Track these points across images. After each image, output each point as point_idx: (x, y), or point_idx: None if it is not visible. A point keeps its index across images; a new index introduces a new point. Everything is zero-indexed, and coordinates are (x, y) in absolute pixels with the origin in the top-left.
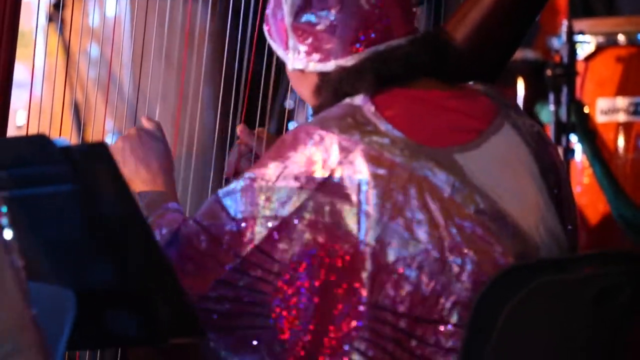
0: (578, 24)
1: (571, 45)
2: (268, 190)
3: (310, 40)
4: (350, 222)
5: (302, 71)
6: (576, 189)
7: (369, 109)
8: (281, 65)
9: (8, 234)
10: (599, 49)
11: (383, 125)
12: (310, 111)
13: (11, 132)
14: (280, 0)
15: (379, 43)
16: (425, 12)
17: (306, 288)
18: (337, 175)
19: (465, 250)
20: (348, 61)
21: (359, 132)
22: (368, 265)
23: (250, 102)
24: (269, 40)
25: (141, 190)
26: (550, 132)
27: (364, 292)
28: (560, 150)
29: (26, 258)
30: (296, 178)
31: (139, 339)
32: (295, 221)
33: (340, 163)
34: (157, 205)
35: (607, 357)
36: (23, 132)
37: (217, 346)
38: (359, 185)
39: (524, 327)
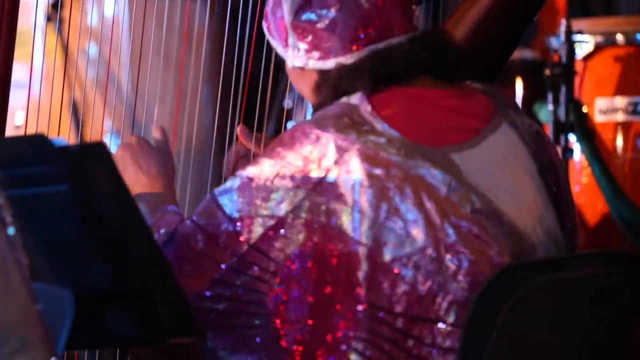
0: (576, 24)
1: (570, 44)
2: (264, 190)
3: (310, 38)
4: (346, 221)
5: (302, 69)
6: (575, 189)
7: (366, 108)
8: (280, 64)
9: (11, 231)
10: (598, 48)
11: (379, 125)
12: (309, 110)
13: (10, 131)
14: None
15: (378, 41)
16: (423, 12)
17: (302, 287)
18: (333, 174)
19: (462, 250)
20: (348, 59)
21: (355, 132)
22: (363, 264)
23: (249, 102)
24: (269, 38)
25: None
26: (549, 131)
27: (361, 292)
28: (558, 150)
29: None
30: (292, 177)
31: (138, 339)
32: (291, 220)
33: (336, 163)
34: (156, 207)
35: (605, 357)
36: (21, 132)
37: (214, 345)
38: (354, 185)
39: (522, 326)
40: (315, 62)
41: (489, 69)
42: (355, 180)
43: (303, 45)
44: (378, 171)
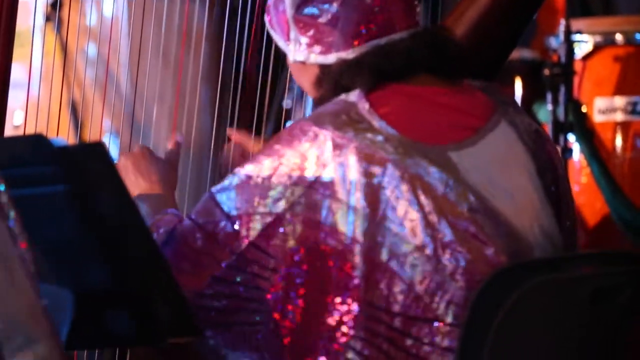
0: (576, 24)
1: (569, 44)
2: (263, 187)
3: (311, 32)
4: (342, 219)
5: (303, 63)
6: (574, 189)
7: (364, 106)
8: (279, 64)
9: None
10: (597, 48)
11: (377, 123)
12: (309, 111)
13: (9, 131)
14: None
15: (380, 37)
16: (422, 11)
17: (299, 284)
18: (330, 172)
19: (459, 249)
20: (349, 54)
21: (352, 130)
22: (360, 262)
23: (248, 102)
24: (270, 31)
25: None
26: (548, 131)
27: (358, 290)
28: (558, 149)
29: None
30: (290, 175)
31: (137, 338)
32: (289, 217)
33: (333, 160)
34: (156, 210)
35: (605, 357)
36: (20, 132)
37: (215, 343)
38: (351, 183)
39: (521, 326)
40: (317, 57)
41: (488, 68)
42: (352, 178)
43: (304, 40)
44: (375, 169)
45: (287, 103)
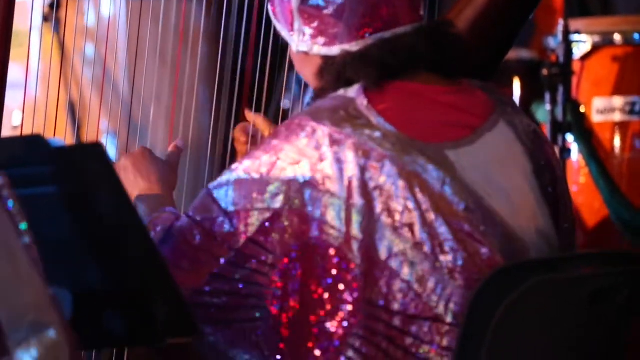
0: (574, 24)
1: (567, 44)
2: (260, 183)
3: (316, 23)
4: (340, 215)
5: (306, 54)
6: (572, 189)
7: (362, 102)
8: (277, 64)
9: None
10: (595, 48)
11: (375, 119)
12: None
13: (7, 132)
14: None
15: (384, 30)
16: None
17: (298, 280)
18: (327, 168)
19: (456, 247)
20: (353, 46)
21: (350, 126)
22: (357, 259)
23: (246, 101)
24: (274, 21)
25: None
26: (547, 131)
27: (357, 288)
28: (556, 150)
29: None
30: (288, 170)
31: (136, 339)
32: (287, 213)
33: (330, 156)
34: (154, 208)
35: (604, 357)
36: (19, 132)
37: (215, 340)
38: (348, 179)
39: (519, 327)
40: (320, 48)
41: (485, 67)
42: (349, 174)
43: (309, 31)
44: (373, 165)
45: (285, 103)
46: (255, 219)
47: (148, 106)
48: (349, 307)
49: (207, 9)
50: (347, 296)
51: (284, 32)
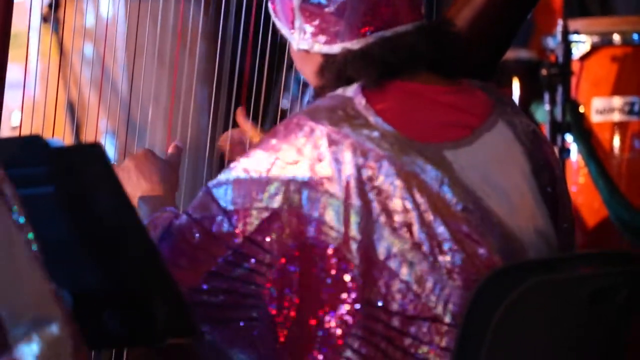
0: (573, 24)
1: (566, 44)
2: (259, 182)
3: (317, 21)
4: (338, 215)
5: (306, 52)
6: (572, 189)
7: (360, 101)
8: (276, 63)
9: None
10: (594, 48)
11: (373, 119)
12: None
13: (6, 132)
14: None
15: (385, 28)
16: None
17: (296, 280)
18: (325, 168)
19: (454, 247)
20: (354, 45)
21: (349, 125)
22: (356, 259)
23: (245, 102)
24: (274, 19)
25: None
26: (546, 131)
27: (356, 289)
28: (555, 150)
29: None
30: (286, 170)
31: (136, 339)
32: (285, 213)
33: (329, 156)
34: (156, 209)
35: (603, 357)
36: (18, 133)
37: (212, 339)
38: (347, 179)
39: (519, 327)
40: (321, 46)
41: (483, 67)
42: (347, 174)
43: (310, 29)
44: (371, 165)
45: (284, 103)
46: (253, 219)
47: (147, 106)
48: (348, 308)
49: (205, 9)
50: (345, 297)
51: (284, 30)
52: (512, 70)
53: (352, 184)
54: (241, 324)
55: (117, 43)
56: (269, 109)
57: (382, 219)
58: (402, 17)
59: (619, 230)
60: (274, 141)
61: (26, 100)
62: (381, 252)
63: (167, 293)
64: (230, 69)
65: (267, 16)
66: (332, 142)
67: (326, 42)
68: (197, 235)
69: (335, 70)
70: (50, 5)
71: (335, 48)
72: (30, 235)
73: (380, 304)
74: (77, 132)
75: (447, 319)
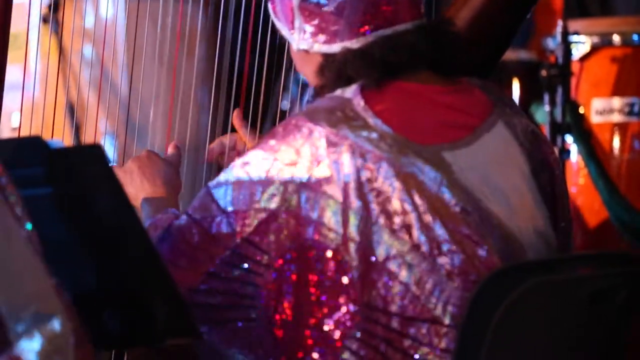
0: (573, 25)
1: (566, 45)
2: (258, 183)
3: (317, 21)
4: (336, 216)
5: (306, 52)
6: (572, 190)
7: (359, 103)
8: (275, 64)
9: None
10: (594, 49)
11: (372, 120)
12: None
13: (6, 133)
14: None
15: (385, 27)
16: None
17: (294, 281)
18: (324, 169)
19: (454, 249)
20: (354, 44)
21: (347, 127)
22: (355, 261)
23: (245, 103)
24: (274, 19)
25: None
26: (546, 132)
27: (354, 291)
28: (555, 150)
29: None
30: (285, 171)
31: (136, 339)
32: (283, 214)
33: (327, 157)
34: (158, 211)
35: (603, 357)
36: (17, 134)
37: (210, 339)
38: (345, 180)
39: (518, 328)
40: (321, 46)
41: (482, 68)
42: (345, 176)
43: (309, 28)
44: (369, 166)
45: (284, 104)
46: (252, 220)
47: (146, 107)
48: (346, 309)
49: (204, 10)
50: (344, 298)
51: (284, 31)
52: (512, 71)
53: (351, 185)
54: (239, 324)
55: (116, 44)
56: (268, 110)
57: (381, 220)
58: (403, 15)
59: (618, 231)
60: (272, 142)
61: (26, 101)
62: (380, 253)
63: (167, 293)
64: (230, 70)
65: (267, 17)
66: (330, 144)
67: (326, 42)
68: (197, 235)
69: (335, 70)
70: (49, 6)
71: (335, 47)
72: (29, 226)
73: (379, 305)
74: (77, 133)
75: (447, 320)
